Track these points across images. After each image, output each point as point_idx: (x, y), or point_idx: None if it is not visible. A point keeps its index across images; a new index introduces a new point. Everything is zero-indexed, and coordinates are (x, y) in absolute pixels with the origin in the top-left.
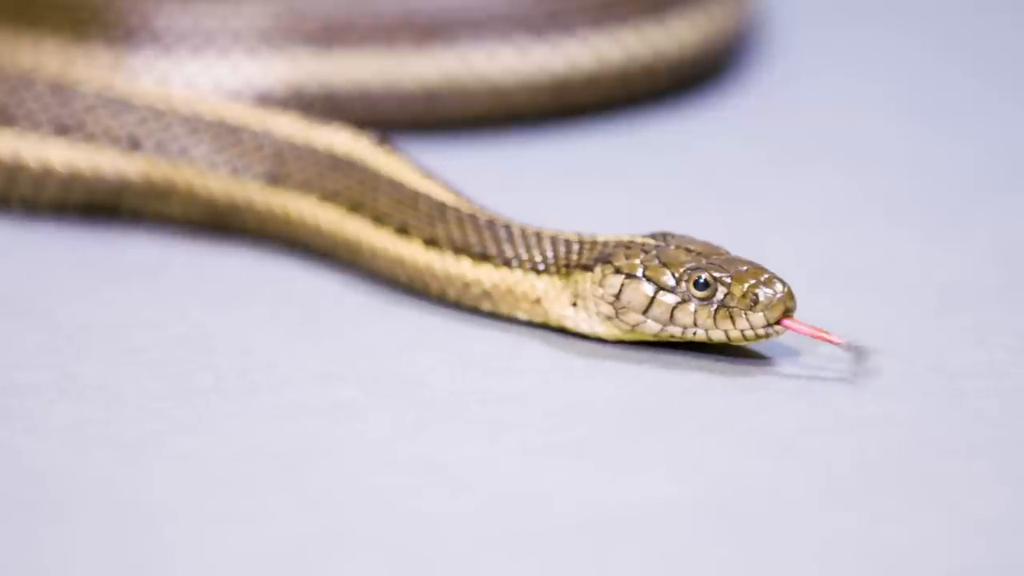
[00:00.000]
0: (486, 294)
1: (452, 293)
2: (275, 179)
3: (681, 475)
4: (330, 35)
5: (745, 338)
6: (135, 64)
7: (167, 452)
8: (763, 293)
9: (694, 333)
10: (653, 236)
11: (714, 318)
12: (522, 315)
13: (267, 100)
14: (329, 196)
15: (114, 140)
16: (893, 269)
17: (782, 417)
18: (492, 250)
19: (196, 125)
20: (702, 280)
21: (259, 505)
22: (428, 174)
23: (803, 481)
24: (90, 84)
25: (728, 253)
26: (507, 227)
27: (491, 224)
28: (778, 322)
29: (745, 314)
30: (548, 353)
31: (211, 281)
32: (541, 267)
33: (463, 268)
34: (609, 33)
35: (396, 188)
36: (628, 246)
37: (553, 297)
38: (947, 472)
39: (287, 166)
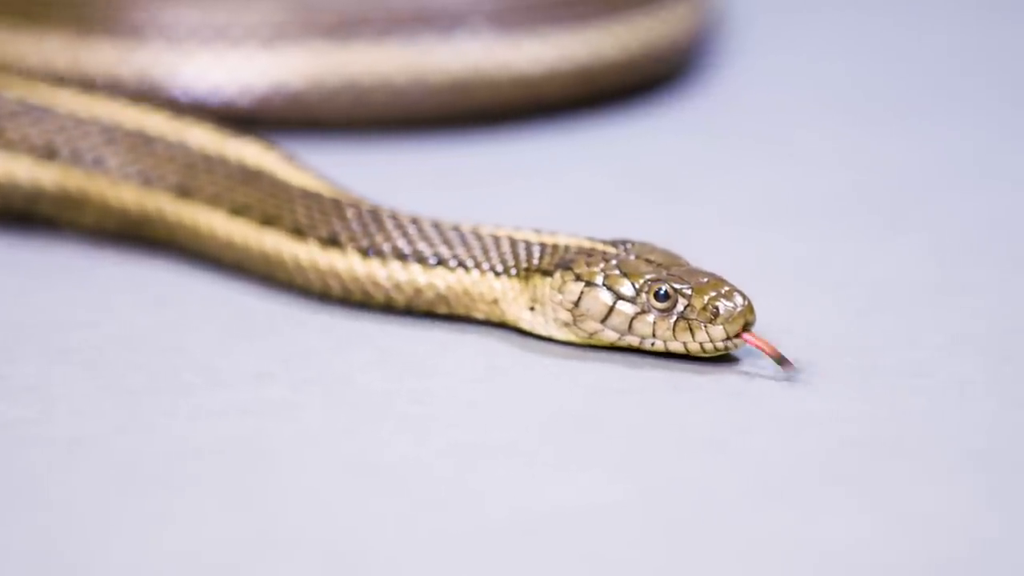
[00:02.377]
0: (441, 298)
1: (401, 300)
2: (185, 191)
3: (614, 475)
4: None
5: (704, 351)
6: (143, 59)
7: (100, 452)
8: (723, 306)
9: (652, 344)
10: (614, 243)
11: (673, 330)
12: (479, 315)
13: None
14: (240, 209)
15: (31, 148)
16: (827, 267)
17: (714, 416)
18: (445, 253)
19: (114, 134)
20: (663, 291)
21: (192, 505)
22: (340, 186)
23: (736, 480)
24: (13, 90)
25: (688, 264)
26: (457, 229)
27: (438, 228)
28: (738, 335)
29: (705, 327)
30: (482, 353)
31: (142, 281)
32: (499, 269)
33: (413, 274)
34: (626, 21)
35: (315, 199)
36: (589, 253)
37: (511, 299)
38: (879, 470)
39: (198, 178)
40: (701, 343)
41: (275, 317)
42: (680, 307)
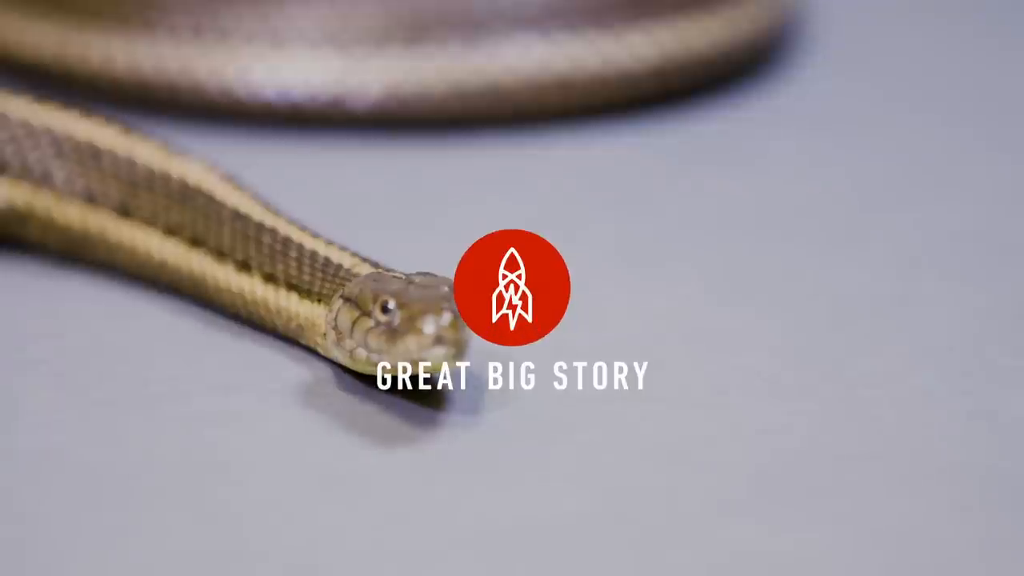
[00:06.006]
0: (300, 328)
1: (281, 326)
2: (126, 210)
3: (576, 487)
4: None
5: (411, 363)
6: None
7: (67, 464)
8: (426, 320)
9: (379, 358)
10: (408, 277)
11: (385, 340)
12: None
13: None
14: (174, 229)
15: None
16: (792, 279)
17: (677, 426)
18: (317, 285)
19: (63, 147)
20: (387, 305)
21: (158, 517)
22: (275, 209)
23: (699, 491)
24: None
25: (449, 290)
26: (336, 263)
27: (327, 260)
28: (434, 346)
29: (405, 339)
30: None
31: (108, 292)
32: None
33: (291, 303)
34: (715, 15)
35: (243, 222)
36: (372, 275)
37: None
38: (843, 481)
39: (138, 197)
40: (402, 355)
41: (241, 328)
42: (396, 320)
